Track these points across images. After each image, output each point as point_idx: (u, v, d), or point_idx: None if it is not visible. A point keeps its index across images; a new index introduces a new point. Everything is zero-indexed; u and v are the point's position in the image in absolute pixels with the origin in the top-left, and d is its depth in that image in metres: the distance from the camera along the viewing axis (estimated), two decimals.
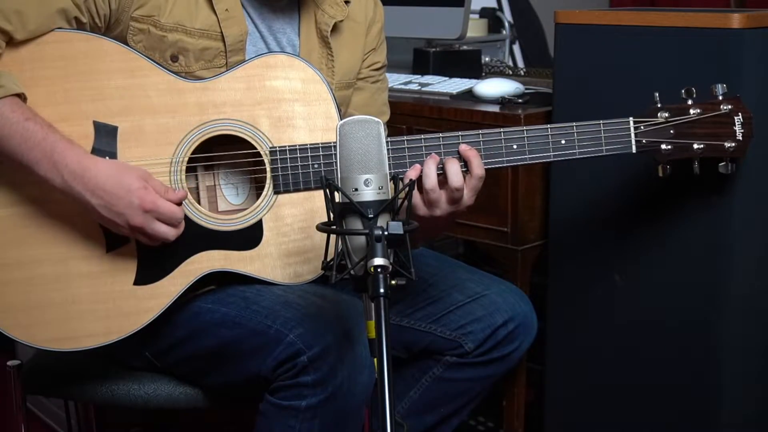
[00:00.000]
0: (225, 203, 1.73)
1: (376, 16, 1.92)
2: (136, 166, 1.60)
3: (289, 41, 1.80)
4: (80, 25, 1.63)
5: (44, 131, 1.56)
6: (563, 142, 1.66)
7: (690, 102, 1.68)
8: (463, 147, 1.63)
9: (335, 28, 1.82)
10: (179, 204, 1.60)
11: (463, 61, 2.60)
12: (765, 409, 2.01)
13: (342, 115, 1.77)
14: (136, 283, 1.63)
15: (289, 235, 1.68)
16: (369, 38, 1.90)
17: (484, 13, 2.93)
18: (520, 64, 2.98)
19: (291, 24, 1.81)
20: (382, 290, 1.27)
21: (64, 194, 1.57)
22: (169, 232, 1.59)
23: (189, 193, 1.65)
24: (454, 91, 2.35)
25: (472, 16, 2.66)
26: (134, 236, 1.59)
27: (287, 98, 1.69)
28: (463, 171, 1.61)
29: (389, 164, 1.42)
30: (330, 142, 1.66)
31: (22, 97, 1.58)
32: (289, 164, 1.66)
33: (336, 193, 1.37)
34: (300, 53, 1.79)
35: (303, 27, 1.81)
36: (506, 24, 2.92)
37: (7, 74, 1.57)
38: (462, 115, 2.19)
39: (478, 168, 1.62)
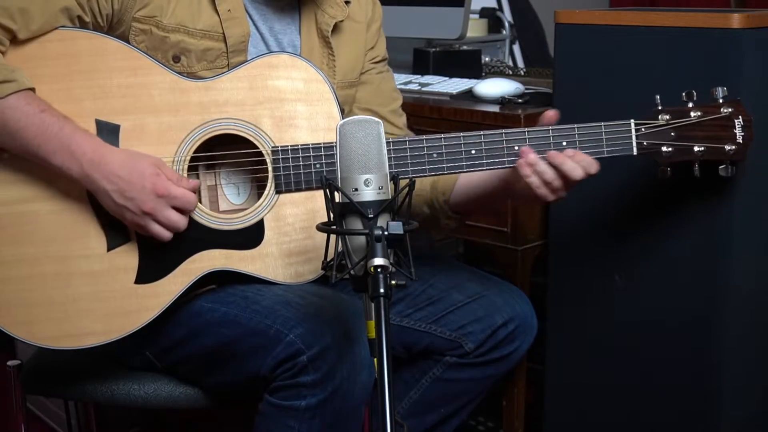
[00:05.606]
0: (226, 203, 1.73)
1: (375, 15, 1.92)
2: (150, 154, 1.61)
3: (290, 42, 1.80)
4: (83, 24, 1.64)
5: (60, 122, 1.57)
6: (564, 143, 1.66)
7: (690, 105, 1.68)
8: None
9: (336, 28, 1.82)
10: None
11: (463, 61, 2.60)
12: (765, 409, 2.01)
13: (345, 115, 1.77)
14: (137, 281, 1.63)
15: (291, 234, 1.68)
16: (368, 37, 1.90)
17: (484, 13, 2.92)
18: (520, 64, 2.98)
19: (292, 24, 1.81)
20: (382, 290, 1.27)
21: (81, 183, 1.58)
22: (180, 221, 1.59)
23: None
24: (454, 91, 2.35)
25: (472, 16, 2.66)
26: (144, 223, 1.58)
27: (289, 98, 1.69)
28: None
29: (390, 164, 1.42)
30: (332, 142, 1.65)
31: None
32: (291, 164, 1.66)
33: (336, 193, 1.38)
34: (301, 54, 1.79)
35: (304, 27, 1.81)
36: (506, 24, 2.91)
37: (20, 70, 1.57)
38: (462, 115, 2.19)
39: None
